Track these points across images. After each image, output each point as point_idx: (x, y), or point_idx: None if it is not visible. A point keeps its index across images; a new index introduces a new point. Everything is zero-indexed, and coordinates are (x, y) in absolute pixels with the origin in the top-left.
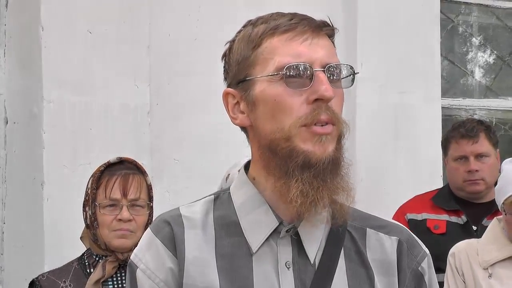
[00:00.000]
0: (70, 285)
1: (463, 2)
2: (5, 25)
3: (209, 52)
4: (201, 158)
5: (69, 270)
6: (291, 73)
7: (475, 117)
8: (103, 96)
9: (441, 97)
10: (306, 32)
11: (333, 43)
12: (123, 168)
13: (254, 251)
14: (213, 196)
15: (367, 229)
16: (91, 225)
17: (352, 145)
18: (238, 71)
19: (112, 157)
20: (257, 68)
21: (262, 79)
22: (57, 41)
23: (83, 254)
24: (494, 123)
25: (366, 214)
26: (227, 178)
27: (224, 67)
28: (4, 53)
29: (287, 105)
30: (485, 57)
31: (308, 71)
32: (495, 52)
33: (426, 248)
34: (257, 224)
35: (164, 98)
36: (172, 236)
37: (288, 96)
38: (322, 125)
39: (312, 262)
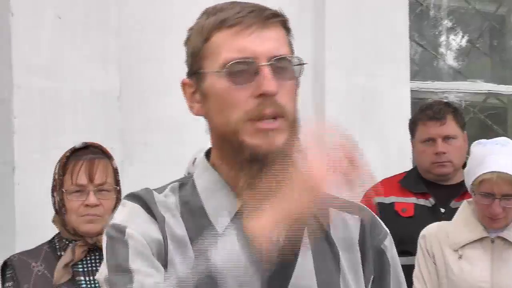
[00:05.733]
0: (41, 265)
1: None
2: None
3: (177, 37)
4: (171, 141)
5: (40, 252)
6: (235, 69)
7: (444, 100)
8: (73, 81)
9: (411, 80)
10: (253, 24)
11: (287, 30)
12: (88, 153)
13: (219, 232)
14: (177, 183)
15: (330, 210)
16: (59, 211)
17: None
18: (192, 63)
19: (82, 141)
20: (207, 62)
21: (210, 73)
22: (26, 27)
23: (53, 238)
24: (463, 106)
25: (330, 196)
26: (193, 162)
27: (186, 53)
28: None
29: (233, 100)
30: (455, 40)
31: (252, 66)
32: (464, 35)
33: (387, 228)
34: (220, 208)
35: (133, 83)
36: (150, 208)
37: (234, 91)
38: (269, 120)
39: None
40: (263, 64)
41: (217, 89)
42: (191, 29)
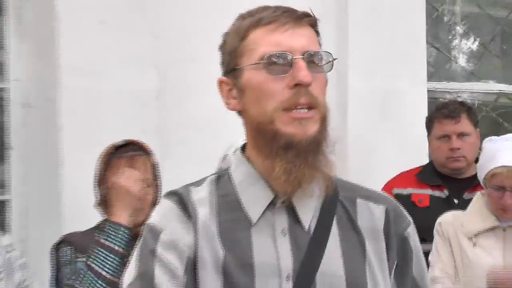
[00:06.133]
0: (86, 244)
1: None
2: (21, 15)
3: (211, 39)
4: (206, 138)
5: (88, 234)
6: (272, 61)
7: (459, 99)
8: (114, 82)
9: (427, 81)
10: (287, 23)
11: (316, 32)
12: (129, 150)
13: (253, 223)
14: (214, 176)
15: (357, 199)
16: (103, 204)
17: (344, 126)
18: (229, 61)
19: (122, 138)
20: (244, 58)
21: (248, 67)
22: (72, 31)
23: (99, 224)
24: (476, 105)
25: (356, 186)
26: (223, 158)
27: (221, 57)
28: (20, 41)
29: (270, 91)
30: (468, 44)
31: (288, 59)
32: (477, 39)
33: (410, 217)
34: (255, 199)
35: (170, 83)
36: (185, 205)
37: (270, 82)
38: (303, 109)
39: (306, 229)
40: (298, 57)
41: (254, 82)
42: (226, 33)
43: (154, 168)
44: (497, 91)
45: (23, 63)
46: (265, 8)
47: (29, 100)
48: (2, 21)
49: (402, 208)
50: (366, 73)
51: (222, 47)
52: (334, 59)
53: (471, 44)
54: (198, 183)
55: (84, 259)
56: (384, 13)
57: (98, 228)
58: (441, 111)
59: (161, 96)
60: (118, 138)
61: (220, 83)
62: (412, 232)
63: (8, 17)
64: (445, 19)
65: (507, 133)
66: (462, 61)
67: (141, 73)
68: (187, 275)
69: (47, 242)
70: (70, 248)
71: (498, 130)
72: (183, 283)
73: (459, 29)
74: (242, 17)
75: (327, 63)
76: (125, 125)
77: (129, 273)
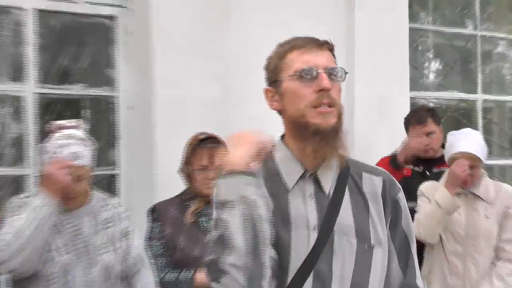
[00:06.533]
0: (175, 210)
1: (423, 29)
2: (127, 44)
3: (261, 61)
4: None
5: (175, 202)
6: (303, 74)
7: (430, 105)
8: (192, 91)
9: (410, 91)
10: (313, 47)
11: (333, 55)
12: (209, 142)
13: (289, 189)
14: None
15: (363, 173)
16: (187, 180)
17: (352, 124)
18: (272, 75)
19: (205, 134)
20: (283, 72)
21: (286, 79)
22: (162, 55)
23: (182, 192)
24: (443, 107)
25: (362, 163)
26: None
27: (265, 73)
28: (126, 63)
29: (302, 95)
30: (437, 65)
31: (314, 72)
32: (443, 61)
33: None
34: (290, 172)
35: (231, 93)
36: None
37: (302, 88)
38: (325, 106)
39: (327, 194)
40: (321, 71)
41: (291, 88)
42: (269, 57)
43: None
44: (458, 98)
45: (128, 78)
46: (297, 38)
47: (132, 104)
48: (114, 49)
49: (394, 179)
50: (368, 84)
51: (266, 66)
52: (346, 73)
53: (439, 65)
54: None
55: (164, 227)
56: (381, 42)
57: (180, 195)
58: (413, 118)
59: (224, 102)
60: (195, 131)
61: (266, 91)
62: (401, 196)
63: (118, 46)
64: (421, 47)
65: (464, 127)
66: (432, 76)
67: (211, 85)
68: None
69: (144, 206)
70: (158, 212)
71: (458, 126)
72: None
73: (431, 54)
74: (281, 45)
75: (341, 76)
76: (199, 123)
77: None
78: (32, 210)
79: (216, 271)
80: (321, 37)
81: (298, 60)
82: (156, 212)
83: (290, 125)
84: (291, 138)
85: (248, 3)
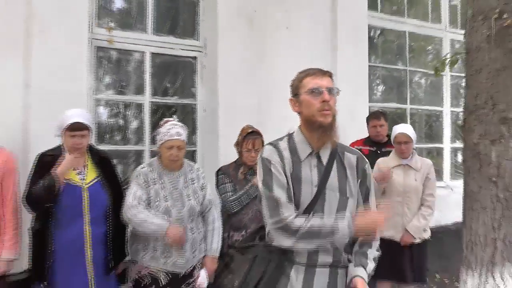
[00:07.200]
0: (233, 171)
1: (376, 66)
2: (210, 71)
3: (288, 79)
4: (285, 126)
5: (232, 165)
6: (313, 90)
7: (380, 110)
8: (242, 100)
9: (368, 102)
10: (319, 75)
11: (331, 78)
12: (253, 134)
13: (302, 160)
14: (286, 137)
15: (345, 152)
16: (240, 155)
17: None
18: (295, 90)
19: (246, 127)
20: (301, 89)
21: (303, 94)
22: (224, 76)
23: (235, 160)
24: (388, 112)
25: (346, 146)
26: (289, 130)
27: (291, 89)
28: (201, 83)
29: (312, 103)
30: (383, 87)
31: (320, 90)
32: (387, 85)
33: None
34: (303, 150)
35: (267, 100)
36: (278, 148)
37: (312, 99)
38: (326, 111)
39: (324, 165)
40: (324, 89)
41: (306, 100)
42: (293, 79)
43: (263, 144)
44: (396, 107)
45: (203, 93)
46: (310, 68)
47: (205, 108)
48: (195, 76)
49: (364, 156)
50: (344, 98)
51: (292, 85)
52: (340, 91)
53: (383, 87)
54: (281, 139)
55: (228, 179)
56: (353, 73)
57: (235, 161)
58: (372, 116)
59: (262, 106)
60: (243, 126)
61: (290, 100)
62: (368, 167)
63: (197, 75)
64: (373, 77)
65: (398, 124)
66: (379, 94)
67: (252, 94)
68: (286, 178)
69: (212, 170)
70: (222, 171)
71: (397, 123)
72: (286, 179)
73: (379, 80)
74: (300, 72)
75: (336, 92)
76: (245, 121)
77: (259, 178)
78: (162, 220)
79: (287, 229)
80: (325, 66)
81: (310, 82)
82: (220, 171)
83: (304, 121)
84: (305, 129)
85: (276, 51)
